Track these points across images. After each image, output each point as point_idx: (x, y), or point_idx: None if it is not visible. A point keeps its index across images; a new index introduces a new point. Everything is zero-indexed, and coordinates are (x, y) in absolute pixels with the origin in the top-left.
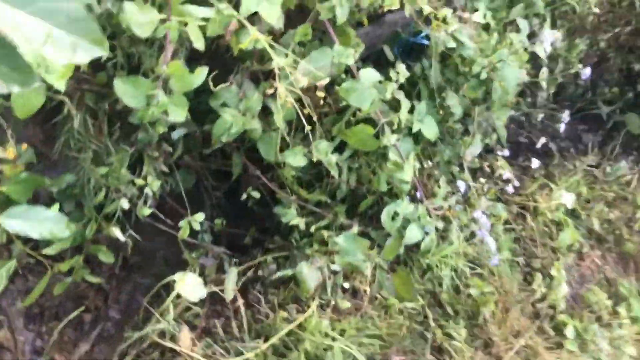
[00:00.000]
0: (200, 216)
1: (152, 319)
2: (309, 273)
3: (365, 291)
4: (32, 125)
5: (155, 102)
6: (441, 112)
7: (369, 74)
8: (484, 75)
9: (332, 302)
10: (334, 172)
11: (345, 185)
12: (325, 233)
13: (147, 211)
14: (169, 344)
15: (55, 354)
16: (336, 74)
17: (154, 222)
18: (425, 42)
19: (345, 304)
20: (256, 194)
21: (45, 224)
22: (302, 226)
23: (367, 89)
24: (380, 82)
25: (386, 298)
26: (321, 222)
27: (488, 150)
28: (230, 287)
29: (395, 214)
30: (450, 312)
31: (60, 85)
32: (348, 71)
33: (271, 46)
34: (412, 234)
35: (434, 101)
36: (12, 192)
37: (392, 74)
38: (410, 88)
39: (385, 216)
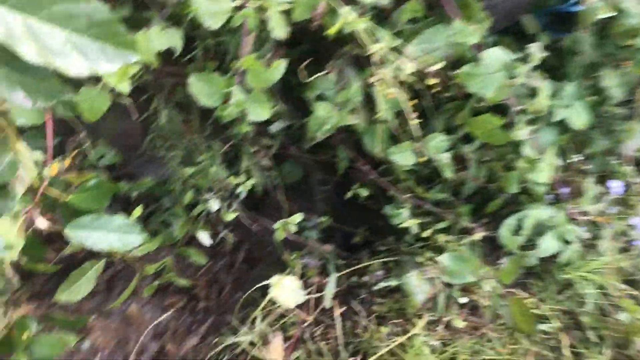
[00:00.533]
0: (297, 217)
1: (247, 323)
2: (418, 285)
3: (485, 308)
4: (125, 121)
5: (232, 100)
6: (595, 94)
7: (495, 55)
8: None
9: (445, 319)
10: (447, 174)
11: (473, 181)
12: (442, 237)
13: (231, 215)
14: (258, 354)
15: (168, 343)
16: (455, 55)
17: (260, 217)
18: (577, 9)
19: (460, 322)
20: (364, 192)
21: (114, 234)
22: (416, 229)
23: (491, 74)
24: (515, 60)
25: None
26: (439, 224)
27: None
28: (330, 294)
29: (520, 226)
30: (592, 339)
31: (123, 87)
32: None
33: (369, 28)
34: (547, 245)
35: (587, 81)
36: (78, 200)
37: (530, 51)
38: (560, 65)
39: (505, 230)
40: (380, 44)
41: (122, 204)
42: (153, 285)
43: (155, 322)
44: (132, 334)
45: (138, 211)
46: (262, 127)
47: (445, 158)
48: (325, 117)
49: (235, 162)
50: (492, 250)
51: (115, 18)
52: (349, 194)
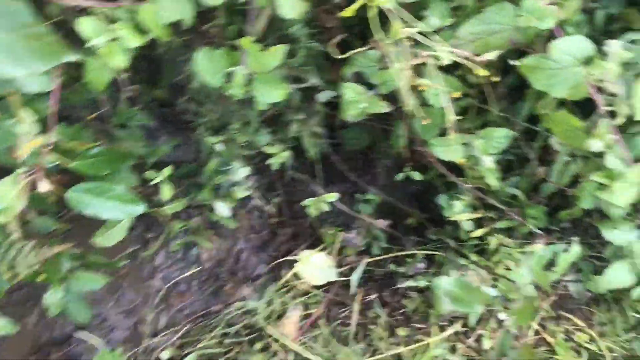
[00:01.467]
0: (332, 196)
1: (268, 290)
2: (448, 291)
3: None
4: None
5: (234, 81)
6: None
7: (568, 47)
8: None
9: (478, 333)
10: (490, 181)
11: (552, 182)
12: (497, 240)
13: (243, 193)
14: (270, 327)
15: (228, 285)
16: (523, 41)
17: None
18: None
19: (488, 342)
20: (417, 175)
21: (114, 202)
22: (468, 226)
23: (562, 69)
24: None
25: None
26: (499, 223)
27: None
28: (355, 279)
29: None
30: None
31: (118, 63)
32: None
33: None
34: (616, 276)
35: None
36: (83, 167)
37: (609, 49)
38: None
39: (535, 264)
40: (413, 28)
41: None
42: (181, 242)
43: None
44: (229, 254)
45: (168, 171)
46: (310, 94)
47: (488, 162)
48: (353, 101)
49: (280, 129)
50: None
51: (38, 22)
52: (400, 176)
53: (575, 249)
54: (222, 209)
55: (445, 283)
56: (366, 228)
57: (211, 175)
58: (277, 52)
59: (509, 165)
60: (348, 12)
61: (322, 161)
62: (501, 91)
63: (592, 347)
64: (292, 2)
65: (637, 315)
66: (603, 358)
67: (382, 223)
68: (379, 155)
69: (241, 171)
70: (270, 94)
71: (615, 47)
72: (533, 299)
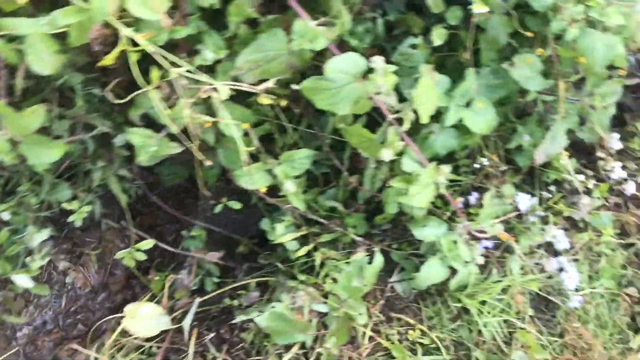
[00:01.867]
0: (147, 243)
1: (100, 351)
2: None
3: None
4: None
5: None
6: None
7: (340, 66)
8: (571, 35)
9: (318, 350)
10: (298, 204)
11: (368, 187)
12: (322, 254)
13: (41, 261)
14: None
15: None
16: (300, 64)
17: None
18: None
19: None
20: (236, 205)
21: None
22: (292, 246)
23: (339, 87)
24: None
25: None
26: (322, 238)
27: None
28: (187, 322)
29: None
30: None
31: None
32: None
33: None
34: (432, 272)
35: (497, 72)
36: None
37: (375, 65)
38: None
39: (344, 279)
40: (181, 67)
41: None
42: None
43: None
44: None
45: None
46: (107, 138)
47: (290, 186)
48: (142, 145)
49: (82, 180)
50: (387, 263)
51: None
52: (219, 208)
53: (378, 259)
54: (23, 280)
55: (263, 319)
56: (197, 265)
57: (4, 245)
58: (36, 113)
59: (326, 177)
60: (107, 60)
61: (141, 202)
62: (305, 108)
63: (425, 341)
64: (44, 57)
65: (458, 305)
66: (436, 350)
67: (214, 256)
68: (200, 188)
69: (37, 236)
70: (44, 155)
71: (379, 62)
72: (347, 316)
